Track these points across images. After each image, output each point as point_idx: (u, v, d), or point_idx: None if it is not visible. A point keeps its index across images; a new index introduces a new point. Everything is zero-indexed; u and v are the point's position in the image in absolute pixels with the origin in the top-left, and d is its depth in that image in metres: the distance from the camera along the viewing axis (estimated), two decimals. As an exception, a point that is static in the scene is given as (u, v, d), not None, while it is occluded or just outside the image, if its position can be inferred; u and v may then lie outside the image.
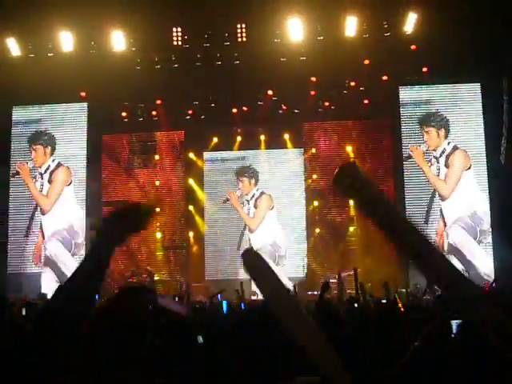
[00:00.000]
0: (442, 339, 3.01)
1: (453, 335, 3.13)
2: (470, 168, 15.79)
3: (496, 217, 15.34)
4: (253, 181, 17.21)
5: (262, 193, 17.28)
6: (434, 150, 15.86)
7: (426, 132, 15.94)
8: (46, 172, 16.99)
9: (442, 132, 15.92)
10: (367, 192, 1.81)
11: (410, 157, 15.81)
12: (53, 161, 17.05)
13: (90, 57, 16.21)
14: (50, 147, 17.07)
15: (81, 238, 16.53)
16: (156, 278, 16.72)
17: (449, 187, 15.62)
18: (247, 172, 17.31)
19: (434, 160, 15.77)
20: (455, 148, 15.96)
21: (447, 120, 16.02)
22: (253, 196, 17.21)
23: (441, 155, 15.81)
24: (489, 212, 15.68)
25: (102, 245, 2.07)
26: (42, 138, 17.10)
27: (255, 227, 17.00)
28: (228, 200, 16.92)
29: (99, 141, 17.73)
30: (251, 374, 2.42)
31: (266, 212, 17.05)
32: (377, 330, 4.32)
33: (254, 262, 1.80)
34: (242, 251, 1.81)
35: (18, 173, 16.93)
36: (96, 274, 2.04)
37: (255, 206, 17.14)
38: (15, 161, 17.18)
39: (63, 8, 14.77)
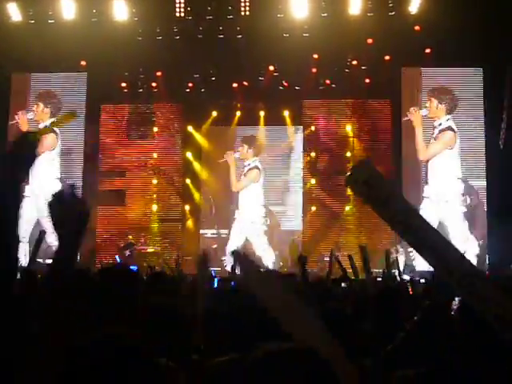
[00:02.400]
0: (439, 318, 3.01)
1: (452, 313, 3.13)
2: (452, 148, 15.54)
3: (493, 202, 15.36)
4: (250, 150, 16.79)
5: (255, 166, 17.16)
6: (433, 120, 15.40)
7: (429, 100, 15.43)
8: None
9: (443, 107, 15.35)
10: (381, 190, 1.78)
11: (408, 119, 15.03)
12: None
13: (92, 25, 16.06)
14: (49, 109, 16.70)
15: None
16: (150, 250, 16.74)
17: (425, 154, 15.23)
18: (249, 140, 17.02)
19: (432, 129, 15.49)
20: (449, 128, 15.74)
21: (453, 100, 15.54)
22: (248, 165, 17.05)
23: (436, 127, 15.47)
24: (485, 199, 15.76)
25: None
26: (47, 98, 16.64)
27: (235, 189, 16.46)
28: (224, 160, 16.52)
29: (98, 111, 17.64)
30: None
31: (248, 182, 16.77)
32: (372, 308, 4.33)
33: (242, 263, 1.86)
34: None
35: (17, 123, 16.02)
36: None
37: (245, 175, 16.92)
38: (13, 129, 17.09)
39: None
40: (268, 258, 15.93)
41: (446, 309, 3.15)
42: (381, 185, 1.78)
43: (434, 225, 14.69)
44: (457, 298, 2.98)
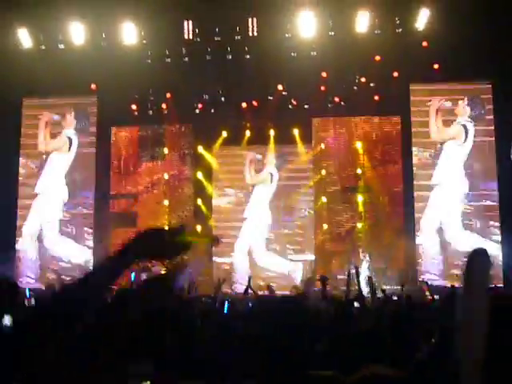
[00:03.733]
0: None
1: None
2: (462, 142, 16.49)
3: (506, 213, 15.37)
4: (272, 160, 17.73)
5: (270, 172, 17.64)
6: (456, 116, 16.56)
7: (461, 99, 16.58)
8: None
9: (468, 109, 16.46)
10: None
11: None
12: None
13: (101, 49, 16.23)
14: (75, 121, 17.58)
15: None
16: (163, 272, 16.71)
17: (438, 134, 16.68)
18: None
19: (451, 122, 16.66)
20: (463, 125, 16.53)
21: (479, 110, 16.47)
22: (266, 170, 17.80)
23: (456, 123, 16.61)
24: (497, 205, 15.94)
25: (117, 264, 2.05)
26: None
27: (250, 181, 17.78)
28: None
29: (109, 133, 17.75)
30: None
31: (262, 180, 17.74)
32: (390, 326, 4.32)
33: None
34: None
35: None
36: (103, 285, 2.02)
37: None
38: (24, 151, 17.37)
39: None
40: (269, 261, 16.85)
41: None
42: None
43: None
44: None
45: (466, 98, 16.42)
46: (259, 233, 17.33)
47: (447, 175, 16.33)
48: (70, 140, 17.31)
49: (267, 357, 2.50)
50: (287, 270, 16.86)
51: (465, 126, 16.39)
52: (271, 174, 17.56)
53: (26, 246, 17.05)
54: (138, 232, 2.05)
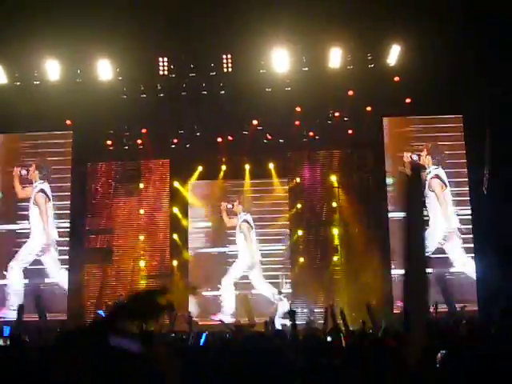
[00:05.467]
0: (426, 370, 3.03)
1: (437, 365, 3.16)
2: (444, 190, 16.53)
3: (479, 247, 15.53)
4: (240, 206, 17.39)
5: (245, 220, 17.43)
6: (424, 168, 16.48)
7: (422, 151, 16.59)
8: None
9: (430, 158, 16.49)
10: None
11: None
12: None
13: (76, 85, 16.27)
14: (38, 174, 17.11)
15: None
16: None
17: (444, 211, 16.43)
18: (238, 196, 17.53)
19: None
20: (436, 176, 16.50)
21: (436, 151, 16.54)
22: (241, 219, 17.46)
23: (427, 175, 16.47)
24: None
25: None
26: (41, 166, 17.17)
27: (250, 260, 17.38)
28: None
29: (84, 169, 17.70)
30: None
31: (252, 238, 17.38)
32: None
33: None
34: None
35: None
36: None
37: (239, 226, 17.45)
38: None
39: (50, 36, 14.87)
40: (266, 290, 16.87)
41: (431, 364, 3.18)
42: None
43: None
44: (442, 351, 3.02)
45: (425, 149, 16.58)
46: (244, 267, 17.33)
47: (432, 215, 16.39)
48: (44, 192, 17.17)
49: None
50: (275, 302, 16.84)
51: (438, 177, 16.55)
52: (247, 222, 17.49)
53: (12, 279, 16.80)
54: (128, 297, 2.09)
